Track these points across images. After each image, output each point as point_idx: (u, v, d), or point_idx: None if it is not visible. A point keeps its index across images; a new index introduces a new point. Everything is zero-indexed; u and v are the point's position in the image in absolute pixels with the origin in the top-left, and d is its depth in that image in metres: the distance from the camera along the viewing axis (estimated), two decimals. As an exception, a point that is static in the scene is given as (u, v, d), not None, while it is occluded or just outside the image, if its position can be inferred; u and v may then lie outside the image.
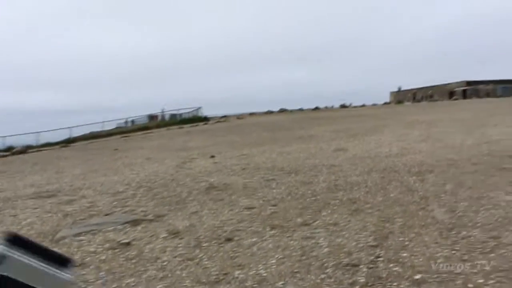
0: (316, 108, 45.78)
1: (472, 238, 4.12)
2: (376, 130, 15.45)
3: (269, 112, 43.55)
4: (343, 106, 49.05)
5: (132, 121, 47.87)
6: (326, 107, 49.15)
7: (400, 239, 4.20)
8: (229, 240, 4.47)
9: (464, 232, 4.26)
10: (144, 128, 34.53)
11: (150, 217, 5.59)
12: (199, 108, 48.69)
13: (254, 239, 4.42)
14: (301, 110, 46.23)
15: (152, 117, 49.67)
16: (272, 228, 4.76)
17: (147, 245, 4.45)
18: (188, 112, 48.14)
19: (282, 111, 44.71)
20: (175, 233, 4.79)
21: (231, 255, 4.04)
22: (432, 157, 8.63)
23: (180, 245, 4.40)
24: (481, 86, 72.33)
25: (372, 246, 4.01)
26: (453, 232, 4.29)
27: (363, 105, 50.18)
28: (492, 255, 3.70)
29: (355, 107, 48.29)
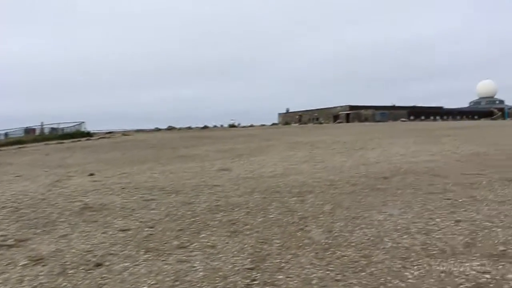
0: (205, 127, 45.70)
1: (346, 258, 4.18)
2: (262, 150, 15.68)
3: (157, 130, 42.62)
4: (232, 126, 49.67)
5: (6, 134, 44.35)
6: (215, 126, 49.44)
7: (277, 261, 4.14)
8: (98, 265, 4.12)
9: (339, 252, 4.32)
10: (18, 142, 32.05)
11: (10, 242, 5.02)
12: (82, 123, 46.44)
13: (126, 264, 4.12)
14: (189, 128, 45.87)
15: (29, 131, 46.37)
16: (147, 251, 4.49)
17: (1, 275, 3.95)
18: (70, 127, 45.72)
19: (170, 128, 44.00)
20: (37, 260, 4.32)
21: (99, 282, 3.71)
22: (313, 178, 8.85)
23: (42, 273, 3.96)
24: (362, 111, 77.38)
25: (248, 269, 3.90)
26: (329, 253, 4.33)
27: (252, 125, 51.19)
28: (363, 274, 3.77)
29: (244, 126, 49.08)
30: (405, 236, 4.78)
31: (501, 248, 4.33)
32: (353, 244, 4.57)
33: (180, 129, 44.38)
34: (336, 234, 4.96)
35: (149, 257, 4.31)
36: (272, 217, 5.81)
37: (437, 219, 5.38)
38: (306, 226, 5.34)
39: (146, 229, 5.36)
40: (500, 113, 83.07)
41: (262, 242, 4.75)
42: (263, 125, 52.21)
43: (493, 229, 4.93)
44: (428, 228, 5.04)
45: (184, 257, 4.29)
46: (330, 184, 8.04)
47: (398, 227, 5.12)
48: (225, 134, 29.01)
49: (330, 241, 4.69)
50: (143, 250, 4.54)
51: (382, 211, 5.87)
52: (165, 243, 4.75)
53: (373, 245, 4.52)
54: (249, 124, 52.73)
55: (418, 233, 4.86)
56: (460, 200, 6.29)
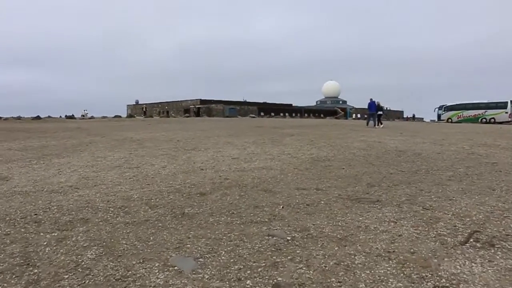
0: (37, 117, 40.42)
1: None
2: (77, 149, 12.87)
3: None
4: (69, 117, 44.80)
5: None
6: (49, 117, 44.07)
7: None
8: None
9: None
10: None
11: None
12: None
13: None
14: (19, 118, 40.34)
15: None
16: None
17: None
18: None
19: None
20: None
21: None
22: (106, 195, 6.50)
23: None
24: (213, 105, 76.21)
25: None
26: None
27: (92, 117, 46.76)
28: None
29: (83, 118, 44.58)
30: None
31: None
32: None
33: (6, 119, 38.69)
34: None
35: None
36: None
37: (248, 282, 3.42)
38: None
39: None
40: (342, 112, 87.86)
41: None
42: (105, 117, 47.92)
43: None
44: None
45: None
46: (122, 206, 5.77)
47: (180, 306, 3.05)
48: (53, 126, 25.13)
49: None
50: None
51: (168, 264, 3.77)
52: None
53: None
54: (89, 116, 48.27)
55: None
56: (288, 238, 4.44)
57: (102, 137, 17.23)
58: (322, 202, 6.01)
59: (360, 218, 5.18)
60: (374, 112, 28.84)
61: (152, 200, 6.09)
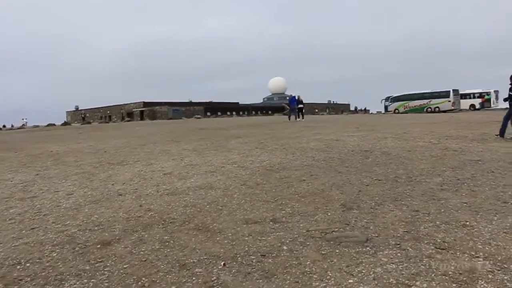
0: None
1: None
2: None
3: None
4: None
5: None
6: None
7: None
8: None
9: None
10: None
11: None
12: None
13: None
14: None
15: None
16: None
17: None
18: None
19: None
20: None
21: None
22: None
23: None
24: (157, 108, 73.25)
25: None
26: None
27: (23, 126, 43.04)
28: None
29: (11, 128, 40.89)
30: None
31: None
32: None
33: None
34: None
35: None
36: None
37: None
38: None
39: None
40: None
41: None
42: (37, 126, 44.30)
43: None
44: None
45: None
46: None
47: None
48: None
49: None
50: None
51: None
52: None
53: None
54: (21, 125, 44.54)
55: None
56: None
57: (16, 152, 14.58)
58: (285, 247, 3.97)
59: (350, 281, 3.18)
60: (295, 106, 31.29)
61: (18, 266, 3.85)
